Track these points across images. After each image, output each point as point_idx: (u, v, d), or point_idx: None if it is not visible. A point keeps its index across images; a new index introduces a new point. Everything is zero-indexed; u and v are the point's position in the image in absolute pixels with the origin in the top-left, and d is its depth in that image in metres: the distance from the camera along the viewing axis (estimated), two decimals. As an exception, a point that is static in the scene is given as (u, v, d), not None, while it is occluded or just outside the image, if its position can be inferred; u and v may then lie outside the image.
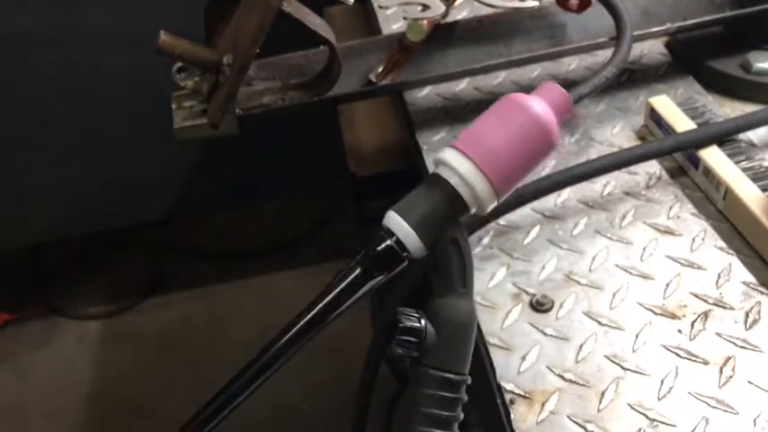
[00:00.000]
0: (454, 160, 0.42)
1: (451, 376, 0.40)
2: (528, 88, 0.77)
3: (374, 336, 0.71)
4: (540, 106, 0.44)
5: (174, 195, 1.63)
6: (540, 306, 0.56)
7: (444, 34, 0.73)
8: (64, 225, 1.62)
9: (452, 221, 0.42)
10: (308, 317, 0.40)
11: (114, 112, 1.45)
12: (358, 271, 0.40)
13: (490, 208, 0.42)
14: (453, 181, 0.42)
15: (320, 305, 0.40)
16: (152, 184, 1.59)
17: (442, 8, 0.73)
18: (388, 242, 0.40)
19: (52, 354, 1.74)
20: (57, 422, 1.59)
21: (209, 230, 1.91)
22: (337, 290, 0.40)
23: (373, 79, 0.70)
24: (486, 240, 0.61)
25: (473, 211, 0.42)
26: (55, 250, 1.86)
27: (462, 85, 0.78)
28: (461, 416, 0.40)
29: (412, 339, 0.39)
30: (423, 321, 0.40)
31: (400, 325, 0.39)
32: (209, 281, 1.83)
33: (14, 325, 1.79)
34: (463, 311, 0.41)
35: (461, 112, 0.75)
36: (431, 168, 0.69)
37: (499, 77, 0.78)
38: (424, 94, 0.78)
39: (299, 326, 0.40)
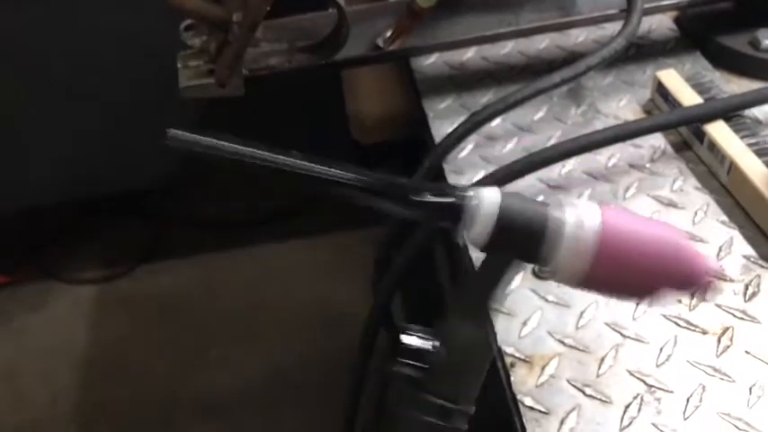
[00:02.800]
0: (588, 216, 0.35)
1: (454, 407, 0.36)
2: (536, 59, 0.77)
3: (373, 306, 0.71)
4: (702, 263, 0.37)
5: (173, 161, 1.62)
6: (542, 273, 0.56)
7: (454, 1, 0.72)
8: (62, 188, 1.62)
9: (524, 256, 0.36)
10: (332, 172, 0.35)
11: (115, 75, 1.44)
12: (409, 190, 0.35)
13: (557, 281, 0.36)
14: (568, 230, 0.35)
15: (349, 176, 0.35)
16: (151, 148, 1.59)
17: (452, -25, 0.72)
18: (462, 203, 0.35)
19: (47, 317, 1.75)
20: (50, 385, 1.60)
21: (207, 198, 1.90)
22: (379, 181, 0.35)
23: (381, 44, 0.70)
24: (489, 208, 0.62)
25: (545, 267, 0.36)
26: (52, 214, 1.86)
27: (470, 54, 0.78)
28: None
29: (419, 364, 0.36)
30: (433, 343, 0.36)
31: (405, 345, 0.36)
32: (206, 248, 1.83)
33: (10, 288, 1.79)
34: (482, 342, 0.37)
35: (468, 81, 0.75)
36: (436, 137, 0.70)
37: (507, 47, 0.78)
38: (431, 62, 0.78)
39: (322, 170, 0.36)
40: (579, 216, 0.35)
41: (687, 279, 0.36)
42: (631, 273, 0.35)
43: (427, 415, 0.36)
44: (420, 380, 0.36)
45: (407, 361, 0.36)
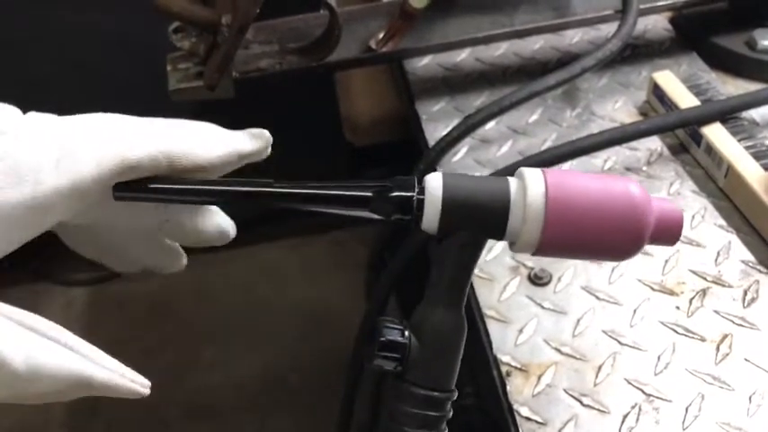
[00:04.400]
0: (534, 186, 0.35)
1: (436, 394, 0.36)
2: (530, 60, 0.76)
3: (369, 306, 0.70)
4: (647, 211, 0.36)
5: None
6: (538, 279, 0.55)
7: (447, 2, 0.71)
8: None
9: (479, 231, 0.36)
10: (292, 190, 0.36)
11: (109, 76, 1.42)
12: (367, 194, 0.36)
13: (518, 251, 0.36)
14: (515, 201, 0.35)
15: (311, 190, 0.36)
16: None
17: (446, -25, 0.71)
18: (413, 195, 0.35)
19: (38, 319, 1.73)
20: (42, 387, 1.58)
21: (199, 199, 1.89)
22: (336, 192, 0.36)
23: (373, 46, 0.69)
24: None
25: (503, 239, 0.36)
26: (42, 215, 1.84)
27: (463, 56, 0.77)
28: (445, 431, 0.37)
29: (394, 355, 0.35)
30: (406, 333, 0.36)
31: (381, 338, 0.35)
32: (196, 250, 1.81)
33: (1, 290, 1.77)
34: (452, 325, 0.37)
35: (462, 83, 0.74)
36: (429, 140, 0.69)
37: (501, 48, 0.77)
38: (424, 64, 0.77)
39: (278, 189, 0.36)
40: (523, 184, 0.35)
41: (645, 228, 0.36)
42: (587, 230, 0.35)
43: (411, 406, 0.36)
44: (399, 372, 0.36)
45: (385, 354, 0.36)
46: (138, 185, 0.35)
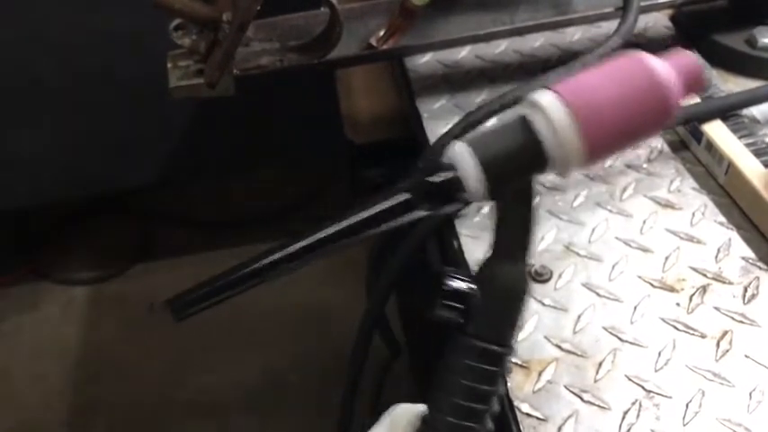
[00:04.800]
0: (552, 107, 0.34)
1: (497, 348, 0.36)
2: (530, 57, 0.77)
3: (369, 305, 0.70)
4: (665, 72, 0.35)
5: (164, 160, 1.61)
6: (538, 276, 0.55)
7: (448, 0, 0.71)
8: (53, 188, 1.60)
9: (525, 175, 0.36)
10: (338, 227, 0.35)
11: (103, 74, 1.42)
12: (405, 196, 0.35)
13: (571, 173, 0.35)
14: (543, 131, 0.34)
15: (355, 219, 0.35)
16: (142, 147, 1.57)
17: (446, -27, 0.72)
18: (448, 175, 0.34)
19: (39, 318, 1.73)
20: (43, 385, 1.58)
21: (198, 198, 1.89)
22: (377, 209, 0.35)
23: (374, 43, 0.69)
24: (485, 209, 0.61)
25: (553, 172, 0.35)
26: (43, 215, 1.84)
27: (464, 53, 0.77)
28: (502, 390, 0.37)
29: (457, 305, 0.35)
30: (471, 285, 0.36)
31: (446, 288, 0.35)
32: (198, 248, 1.81)
33: (2, 289, 1.77)
34: (519, 280, 0.37)
35: (463, 80, 0.74)
36: (430, 137, 0.69)
37: (501, 46, 0.77)
38: (424, 61, 0.77)
39: (325, 232, 0.35)
40: (539, 110, 0.34)
41: (670, 87, 0.35)
42: (620, 117, 0.35)
43: (470, 359, 0.36)
44: (461, 323, 0.36)
45: (448, 303, 0.35)
46: (193, 299, 0.35)
